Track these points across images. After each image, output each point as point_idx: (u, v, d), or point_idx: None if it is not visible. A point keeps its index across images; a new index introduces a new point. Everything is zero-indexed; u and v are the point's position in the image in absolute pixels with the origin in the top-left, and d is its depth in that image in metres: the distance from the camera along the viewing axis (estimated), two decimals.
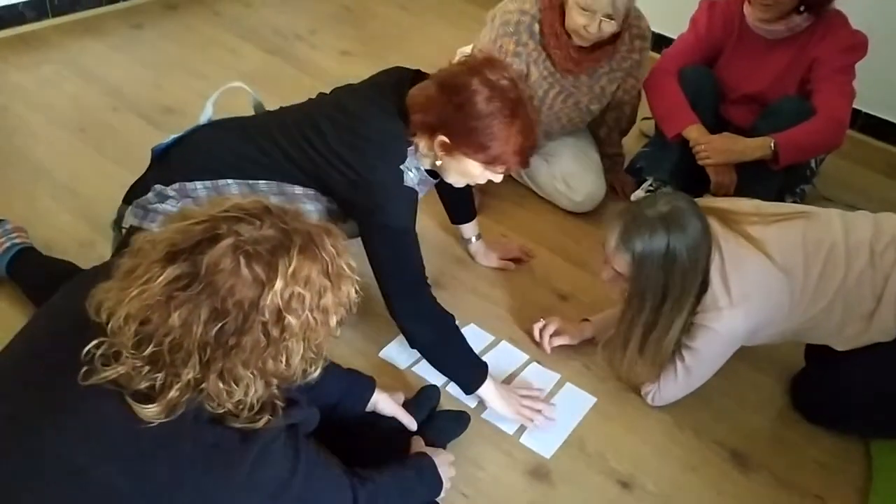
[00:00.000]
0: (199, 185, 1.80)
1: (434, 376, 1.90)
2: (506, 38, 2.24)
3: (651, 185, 2.44)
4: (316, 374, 1.20)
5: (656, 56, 2.58)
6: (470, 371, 1.81)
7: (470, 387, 1.81)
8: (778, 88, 2.34)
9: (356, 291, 1.19)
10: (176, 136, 1.87)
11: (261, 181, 1.80)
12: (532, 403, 1.85)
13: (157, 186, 1.80)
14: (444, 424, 1.78)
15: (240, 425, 1.11)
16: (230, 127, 1.89)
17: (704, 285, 1.69)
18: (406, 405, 1.78)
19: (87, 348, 1.07)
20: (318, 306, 1.11)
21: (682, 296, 1.67)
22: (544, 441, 1.82)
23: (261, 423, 1.13)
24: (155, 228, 1.73)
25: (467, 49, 2.61)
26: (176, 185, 1.80)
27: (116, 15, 3.41)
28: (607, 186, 2.54)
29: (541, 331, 2.03)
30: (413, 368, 1.95)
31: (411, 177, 1.77)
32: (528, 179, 2.57)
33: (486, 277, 2.27)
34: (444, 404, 1.85)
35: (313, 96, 1.94)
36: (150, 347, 1.05)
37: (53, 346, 1.16)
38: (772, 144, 2.16)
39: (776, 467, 1.82)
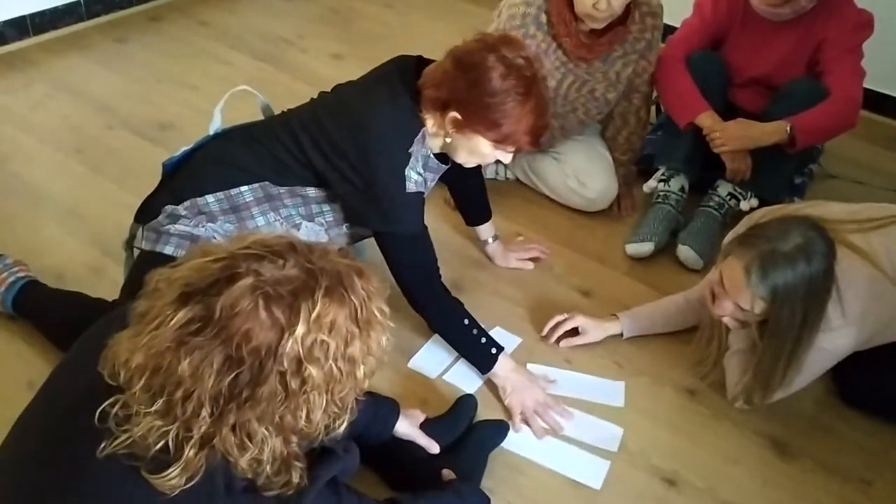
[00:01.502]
0: (210, 198, 1.77)
1: (467, 384, 1.88)
2: (512, 31, 2.20)
3: (664, 174, 2.41)
4: (340, 430, 1.10)
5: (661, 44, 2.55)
6: (481, 353, 1.85)
7: (483, 368, 1.86)
8: (784, 71, 2.32)
9: (388, 339, 1.10)
10: (187, 147, 1.83)
11: (275, 184, 1.78)
12: (555, 417, 1.81)
13: (168, 208, 1.76)
14: (483, 434, 1.75)
15: (276, 492, 1.04)
16: (236, 135, 1.86)
17: None
18: (444, 417, 1.75)
19: (101, 408, 0.99)
20: (343, 355, 1.02)
21: (818, 318, 1.60)
22: (525, 441, 1.79)
23: (294, 489, 1.06)
24: (168, 251, 1.72)
25: None
26: (187, 203, 1.76)
27: (98, 29, 3.33)
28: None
29: (553, 327, 2.01)
30: (444, 377, 1.92)
31: (414, 180, 1.75)
32: (539, 182, 2.52)
33: (507, 278, 2.24)
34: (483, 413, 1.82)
35: (314, 97, 1.90)
36: (161, 398, 0.97)
37: (71, 414, 1.07)
38: (787, 128, 2.14)
39: (818, 453, 1.81)
